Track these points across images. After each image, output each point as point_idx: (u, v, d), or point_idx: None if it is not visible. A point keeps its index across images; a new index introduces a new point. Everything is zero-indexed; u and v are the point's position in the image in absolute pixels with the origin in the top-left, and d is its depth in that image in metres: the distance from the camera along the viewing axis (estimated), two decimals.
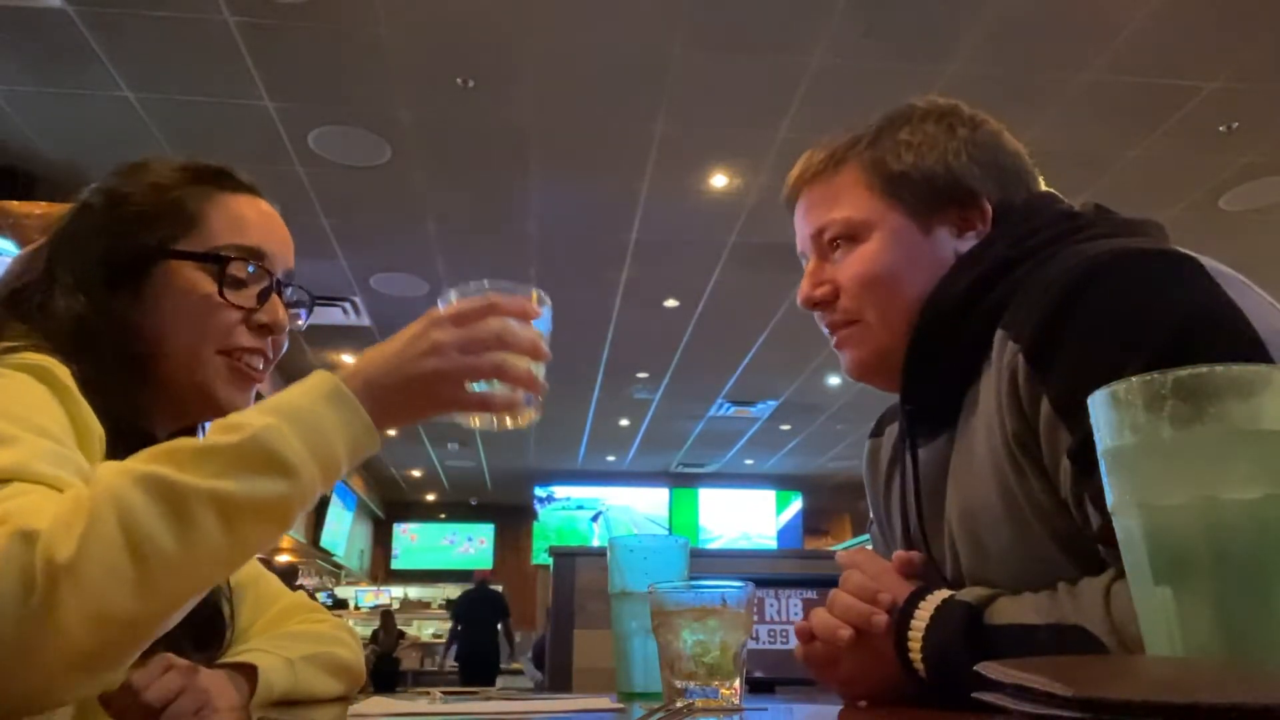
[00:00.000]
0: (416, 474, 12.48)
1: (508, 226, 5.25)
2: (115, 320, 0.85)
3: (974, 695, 0.46)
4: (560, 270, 5.80)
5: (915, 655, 0.78)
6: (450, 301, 0.79)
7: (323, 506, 10.18)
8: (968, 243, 0.92)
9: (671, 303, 6.41)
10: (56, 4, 3.40)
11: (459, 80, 3.93)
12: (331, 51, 3.74)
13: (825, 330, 1.00)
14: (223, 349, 0.90)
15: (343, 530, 11.07)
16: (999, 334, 0.82)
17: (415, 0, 3.45)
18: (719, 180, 4.77)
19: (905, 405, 0.95)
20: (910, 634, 0.79)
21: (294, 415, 0.68)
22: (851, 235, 0.95)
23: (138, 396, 0.85)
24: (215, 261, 0.89)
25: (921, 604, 0.80)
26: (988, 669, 0.44)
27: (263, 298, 0.92)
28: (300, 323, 1.00)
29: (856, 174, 0.96)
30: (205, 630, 0.88)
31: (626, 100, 4.08)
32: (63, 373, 0.74)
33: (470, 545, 13.67)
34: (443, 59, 3.80)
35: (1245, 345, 0.69)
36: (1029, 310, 0.79)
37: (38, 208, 0.96)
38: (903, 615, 0.80)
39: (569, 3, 3.49)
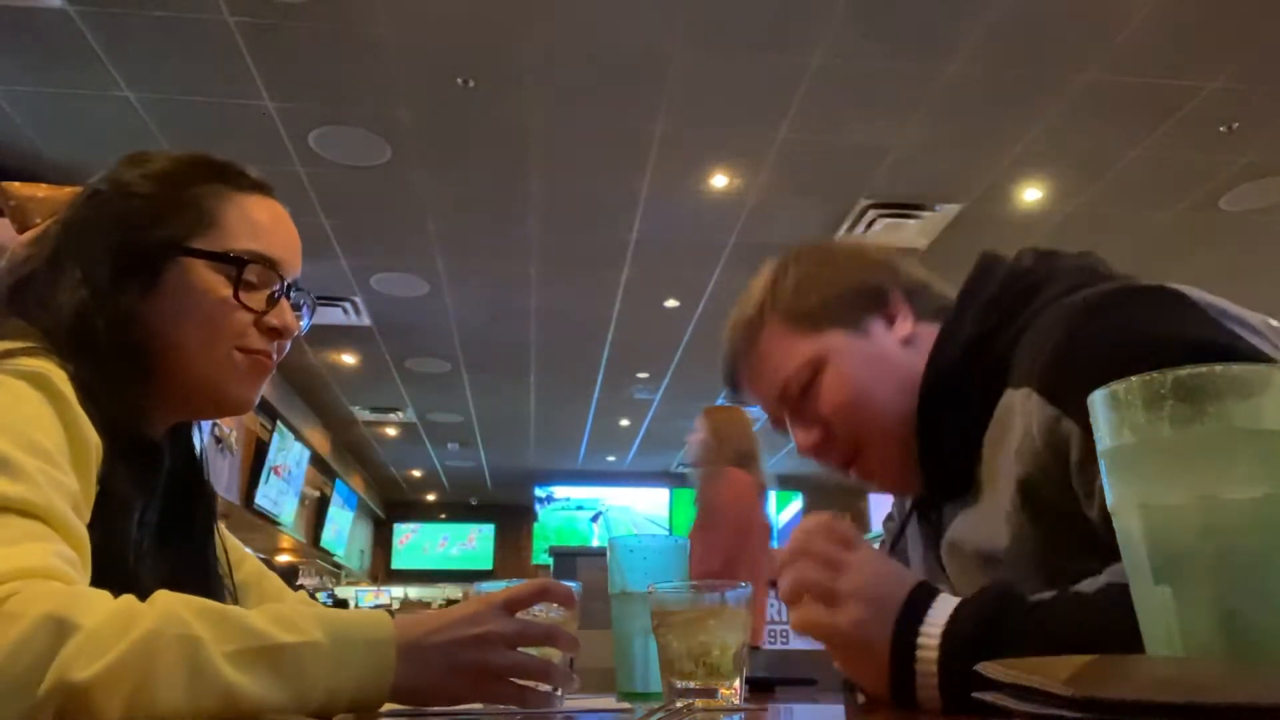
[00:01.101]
0: (416, 474, 12.48)
1: (508, 226, 5.25)
2: (120, 314, 0.84)
3: (974, 695, 0.46)
4: (560, 270, 5.80)
5: (929, 651, 0.69)
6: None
7: (323, 506, 10.18)
8: (903, 328, 1.00)
9: (671, 303, 6.41)
10: (56, 4, 3.40)
11: (459, 80, 3.93)
12: (331, 51, 3.74)
13: (839, 470, 1.03)
14: (241, 347, 0.91)
15: (343, 530, 11.07)
16: (1007, 394, 0.85)
17: (415, 0, 3.45)
18: (719, 180, 4.77)
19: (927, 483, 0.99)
20: (923, 632, 0.70)
21: (340, 642, 0.68)
22: (811, 376, 1.00)
23: (137, 396, 0.85)
24: (233, 263, 0.90)
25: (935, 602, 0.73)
26: (988, 669, 0.44)
27: (272, 301, 0.93)
28: (303, 325, 1.00)
29: (778, 329, 1.02)
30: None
31: (626, 100, 4.08)
32: (60, 379, 0.74)
33: (470, 545, 13.67)
34: (443, 59, 3.80)
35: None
36: (1033, 359, 0.82)
37: (40, 190, 0.96)
38: (910, 609, 0.72)
39: (569, 3, 3.49)
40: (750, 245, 5.45)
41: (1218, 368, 0.44)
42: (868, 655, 0.72)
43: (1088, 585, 0.70)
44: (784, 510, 12.28)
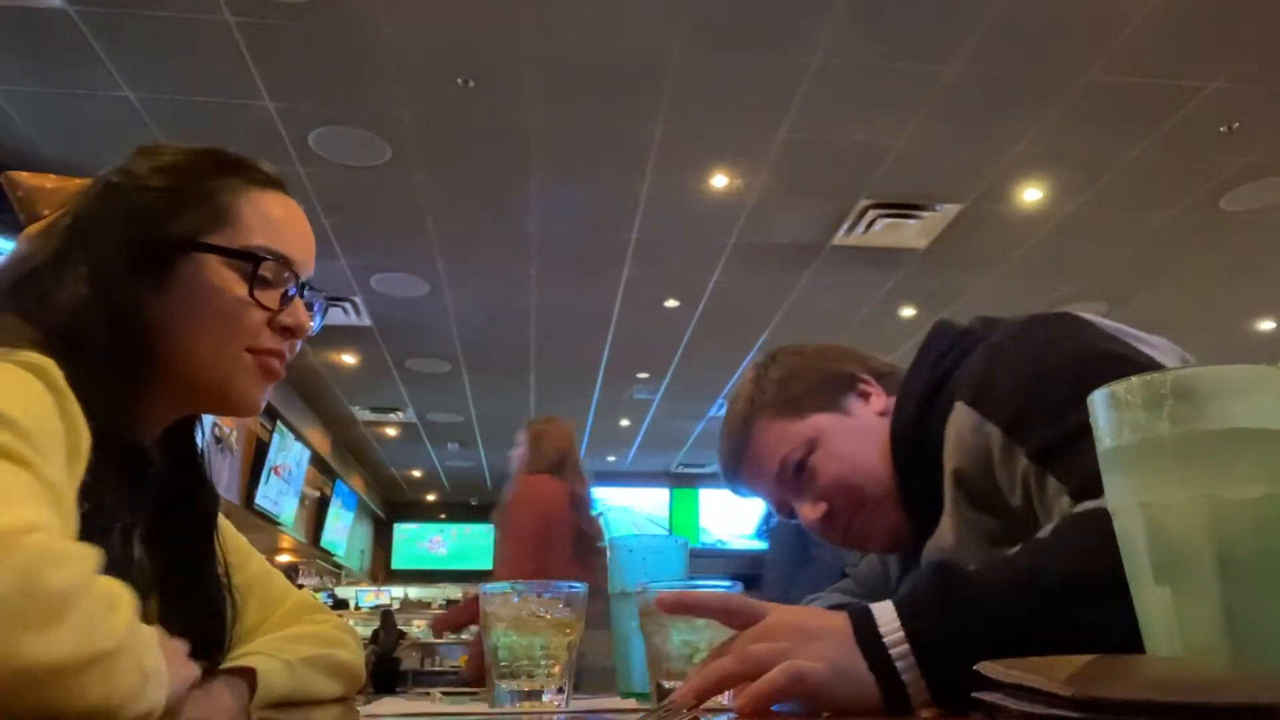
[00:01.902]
0: (417, 474, 12.48)
1: (508, 226, 5.25)
2: (124, 310, 0.82)
3: (974, 695, 0.46)
4: (560, 270, 5.80)
5: (899, 647, 0.67)
6: None
7: (323, 507, 10.17)
8: (878, 402, 1.11)
9: (671, 303, 6.41)
10: (56, 4, 3.40)
11: (459, 80, 3.93)
12: (331, 51, 3.74)
13: (845, 543, 1.14)
14: (252, 347, 0.89)
15: (343, 530, 11.07)
16: (956, 411, 0.96)
17: (415, 0, 3.45)
18: (719, 180, 4.77)
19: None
20: (882, 631, 0.68)
21: None
22: (804, 455, 1.09)
23: (127, 400, 0.82)
24: (249, 260, 0.87)
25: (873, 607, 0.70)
26: (987, 669, 0.44)
27: (285, 300, 0.91)
28: (315, 326, 0.98)
29: (770, 422, 1.12)
30: (205, 638, 0.86)
31: (626, 100, 4.08)
32: (59, 374, 0.71)
33: (470, 545, 13.67)
34: (443, 59, 3.80)
35: (1144, 367, 0.76)
36: (966, 378, 0.96)
37: (49, 180, 0.93)
38: (860, 621, 0.69)
39: (569, 3, 3.49)
40: (750, 245, 5.45)
41: (1217, 368, 0.44)
42: (849, 685, 0.67)
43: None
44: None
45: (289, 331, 0.92)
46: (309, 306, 0.96)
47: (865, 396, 1.12)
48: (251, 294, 0.87)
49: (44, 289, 0.81)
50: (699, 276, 5.95)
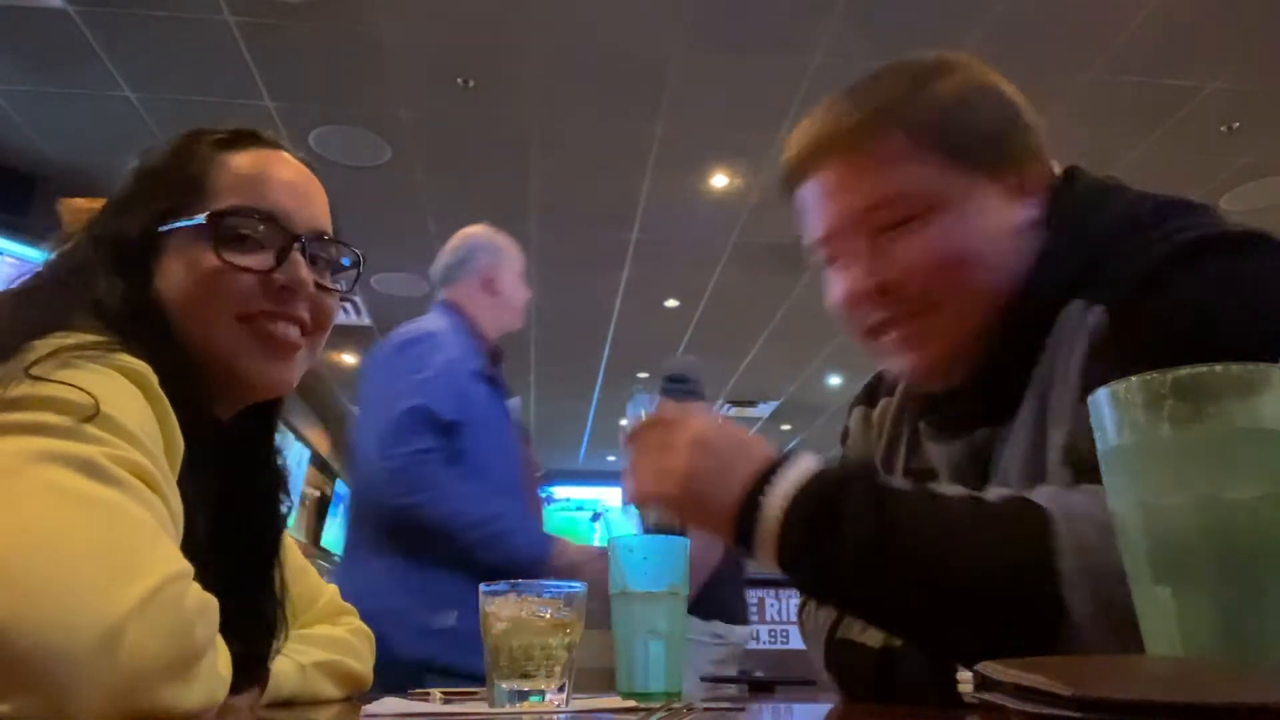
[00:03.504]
0: None
1: (508, 226, 5.23)
2: (151, 309, 0.79)
3: (974, 695, 0.46)
4: (560, 270, 5.80)
5: (775, 507, 0.71)
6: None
7: (323, 506, 10.17)
8: (1027, 209, 0.83)
9: (672, 303, 6.41)
10: (56, 4, 3.40)
11: (459, 80, 3.92)
12: (331, 51, 3.74)
13: (870, 333, 0.87)
14: (241, 315, 0.82)
15: (343, 530, 11.07)
16: (1075, 305, 0.75)
17: (415, 0, 3.45)
18: (719, 180, 4.77)
19: (947, 398, 0.87)
20: (772, 481, 0.72)
21: None
22: (916, 213, 0.81)
23: (195, 397, 0.77)
24: (213, 226, 0.81)
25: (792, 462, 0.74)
26: (987, 669, 0.44)
27: (280, 258, 0.83)
28: (340, 284, 0.92)
29: (902, 138, 0.81)
30: (252, 652, 0.83)
31: (626, 100, 4.08)
32: (153, 378, 0.68)
33: None
34: (443, 59, 3.80)
35: None
36: (1121, 279, 0.72)
37: (101, 203, 0.90)
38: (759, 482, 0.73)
39: (569, 3, 3.49)
40: (750, 245, 5.45)
41: (1217, 368, 0.44)
42: (706, 506, 0.77)
43: (958, 491, 0.71)
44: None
45: (287, 291, 0.84)
46: (329, 264, 0.90)
47: (1022, 196, 0.84)
48: (220, 257, 0.80)
49: (81, 290, 0.78)
50: (699, 276, 5.95)
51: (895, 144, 0.82)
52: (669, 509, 0.84)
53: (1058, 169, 0.90)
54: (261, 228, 0.83)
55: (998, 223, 0.82)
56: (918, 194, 0.81)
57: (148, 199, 0.83)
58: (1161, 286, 0.70)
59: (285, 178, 0.87)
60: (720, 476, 0.76)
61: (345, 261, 0.94)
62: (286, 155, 0.90)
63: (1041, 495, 0.67)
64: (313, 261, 0.87)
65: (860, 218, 0.83)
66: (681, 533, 0.95)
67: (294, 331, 0.85)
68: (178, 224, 0.82)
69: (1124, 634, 0.51)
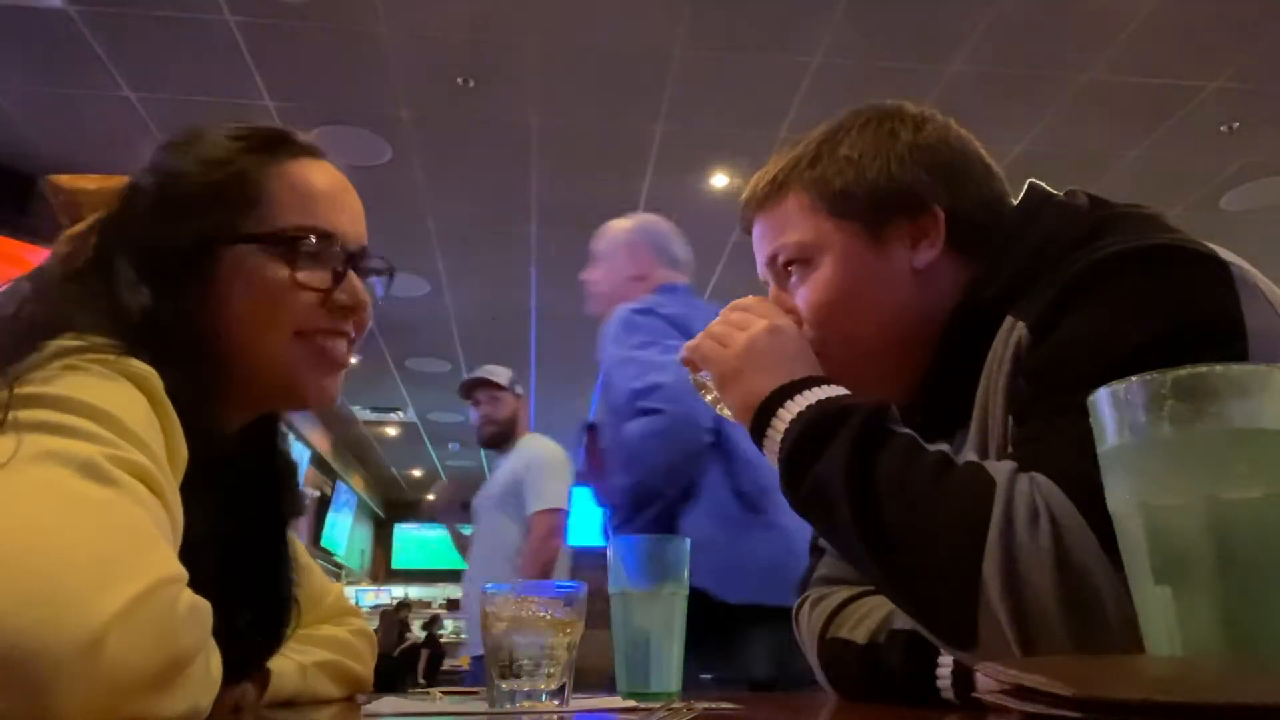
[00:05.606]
0: (417, 474, 12.47)
1: (508, 226, 5.25)
2: (184, 314, 0.78)
3: (974, 695, 0.46)
4: (560, 270, 5.79)
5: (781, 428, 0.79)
6: None
7: (323, 507, 10.18)
8: (923, 254, 0.90)
9: None
10: (56, 4, 3.40)
11: (459, 80, 3.93)
12: (331, 51, 3.74)
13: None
14: (300, 331, 0.82)
15: (343, 530, 11.07)
16: (1007, 321, 0.79)
17: (415, 0, 3.45)
18: (719, 180, 4.77)
19: (904, 411, 0.89)
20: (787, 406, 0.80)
21: None
22: (803, 259, 0.94)
23: (217, 398, 0.78)
24: (284, 243, 0.81)
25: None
26: (987, 669, 0.44)
27: (338, 277, 0.83)
28: (378, 295, 0.92)
29: (800, 197, 0.95)
30: (258, 649, 0.84)
31: (627, 100, 4.08)
32: (160, 385, 0.68)
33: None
34: (443, 59, 3.80)
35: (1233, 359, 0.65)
36: (1043, 296, 0.76)
37: (90, 182, 0.89)
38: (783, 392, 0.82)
39: (569, 3, 3.49)
40: (750, 245, 5.44)
41: (1217, 368, 0.44)
42: (743, 384, 0.86)
43: (938, 450, 0.72)
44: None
45: (347, 310, 0.84)
46: (376, 272, 0.90)
47: (916, 243, 0.90)
48: (294, 278, 0.81)
49: (97, 294, 0.76)
50: (699, 276, 5.92)
51: (796, 199, 0.96)
52: (714, 372, 0.91)
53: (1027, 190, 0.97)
54: (322, 245, 0.83)
55: (884, 271, 0.91)
56: (806, 244, 0.94)
57: (195, 207, 0.81)
58: (1072, 306, 0.73)
59: (337, 193, 0.88)
60: (769, 366, 0.85)
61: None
62: (328, 164, 0.90)
63: (1003, 469, 0.68)
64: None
65: (769, 264, 1.00)
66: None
67: (343, 347, 0.86)
68: (248, 236, 0.81)
69: (1032, 618, 0.61)
